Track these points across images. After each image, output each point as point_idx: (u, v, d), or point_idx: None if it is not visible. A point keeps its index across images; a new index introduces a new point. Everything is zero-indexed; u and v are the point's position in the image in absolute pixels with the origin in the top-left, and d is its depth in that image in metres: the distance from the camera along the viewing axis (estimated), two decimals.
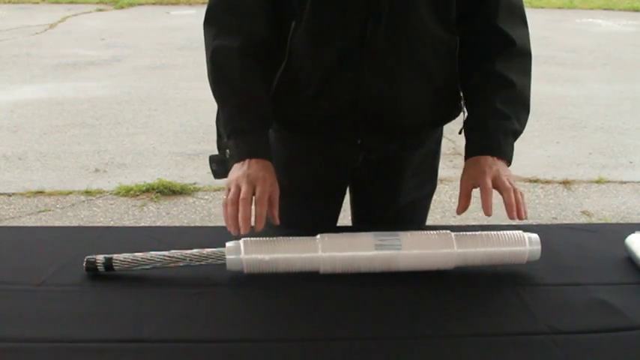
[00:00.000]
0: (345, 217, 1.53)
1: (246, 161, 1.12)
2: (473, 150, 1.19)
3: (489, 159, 1.15)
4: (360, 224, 1.46)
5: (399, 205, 1.39)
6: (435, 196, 1.44)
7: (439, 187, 1.44)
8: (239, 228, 1.04)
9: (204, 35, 1.21)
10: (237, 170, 1.11)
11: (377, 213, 1.41)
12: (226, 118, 1.17)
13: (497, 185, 1.12)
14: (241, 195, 1.06)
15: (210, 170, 1.24)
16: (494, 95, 1.19)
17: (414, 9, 1.15)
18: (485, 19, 1.22)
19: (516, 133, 1.20)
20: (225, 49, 1.18)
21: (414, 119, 1.27)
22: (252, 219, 1.07)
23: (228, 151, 1.16)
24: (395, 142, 1.31)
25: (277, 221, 1.12)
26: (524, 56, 1.23)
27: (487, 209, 1.09)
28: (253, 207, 1.08)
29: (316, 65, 1.20)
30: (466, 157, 1.20)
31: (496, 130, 1.17)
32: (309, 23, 1.16)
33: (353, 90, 1.20)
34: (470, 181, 1.15)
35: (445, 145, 1.49)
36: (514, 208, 1.09)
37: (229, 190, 1.09)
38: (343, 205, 1.43)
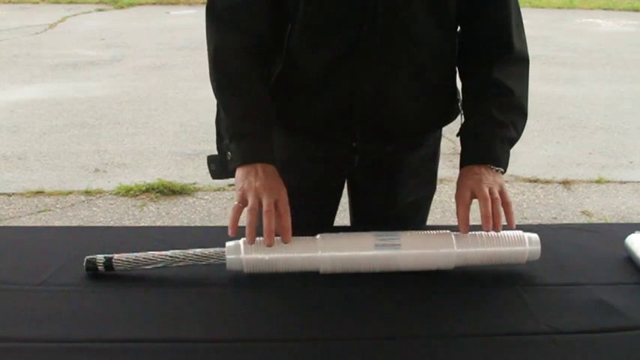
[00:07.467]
0: (345, 217, 1.53)
1: (252, 168, 1.09)
2: (469, 159, 1.17)
3: (485, 168, 1.14)
4: (359, 225, 1.46)
5: (397, 207, 1.38)
6: (435, 196, 1.44)
7: (439, 187, 1.44)
8: (254, 238, 1.03)
9: (207, 29, 1.18)
10: (244, 180, 1.08)
11: (375, 214, 1.40)
12: (230, 121, 1.15)
13: (492, 193, 1.09)
14: (265, 207, 1.04)
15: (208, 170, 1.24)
16: (491, 103, 1.18)
17: (410, 11, 1.14)
18: (485, 23, 1.21)
19: (512, 141, 1.19)
20: (228, 48, 1.16)
21: (410, 122, 1.26)
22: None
23: (229, 153, 1.14)
24: (391, 145, 1.31)
25: (289, 238, 1.06)
26: (522, 62, 1.23)
27: (487, 221, 1.06)
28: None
29: (312, 68, 1.20)
30: (461, 165, 1.18)
31: (492, 140, 1.16)
32: (304, 26, 1.16)
33: (348, 93, 1.20)
34: (467, 192, 1.12)
35: (445, 145, 1.48)
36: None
37: (244, 198, 1.06)
38: (342, 205, 1.43)
